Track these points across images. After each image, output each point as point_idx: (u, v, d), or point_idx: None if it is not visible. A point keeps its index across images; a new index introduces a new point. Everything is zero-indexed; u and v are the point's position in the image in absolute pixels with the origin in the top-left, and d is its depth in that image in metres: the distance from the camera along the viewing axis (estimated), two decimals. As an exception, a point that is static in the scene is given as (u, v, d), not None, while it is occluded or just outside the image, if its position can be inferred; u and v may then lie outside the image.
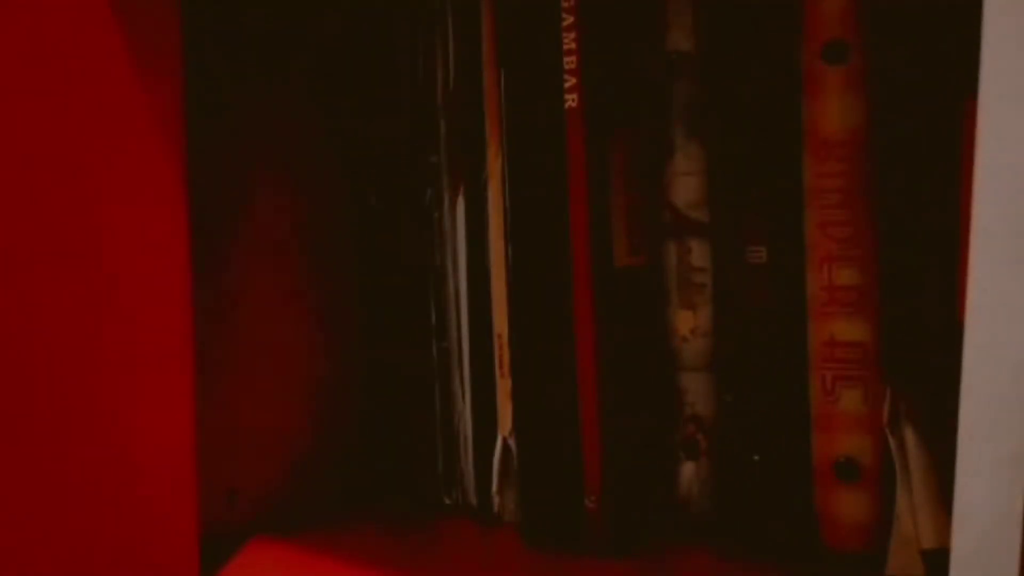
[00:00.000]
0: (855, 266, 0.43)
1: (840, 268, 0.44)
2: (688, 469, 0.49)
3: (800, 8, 0.44)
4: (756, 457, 0.46)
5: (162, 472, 0.48)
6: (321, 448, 0.59)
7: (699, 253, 0.48)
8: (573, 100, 0.47)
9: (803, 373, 0.45)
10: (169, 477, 0.48)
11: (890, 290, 0.43)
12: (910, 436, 0.42)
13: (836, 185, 0.43)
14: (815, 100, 0.44)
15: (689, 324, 0.49)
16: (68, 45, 0.44)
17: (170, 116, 0.48)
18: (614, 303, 0.48)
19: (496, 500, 0.54)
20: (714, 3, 0.47)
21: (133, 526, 0.47)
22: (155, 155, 0.47)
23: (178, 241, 0.48)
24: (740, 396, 0.47)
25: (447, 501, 0.57)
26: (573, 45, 0.46)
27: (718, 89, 0.47)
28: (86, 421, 0.45)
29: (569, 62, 0.46)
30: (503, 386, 0.52)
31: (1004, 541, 0.28)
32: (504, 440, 0.53)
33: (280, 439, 0.57)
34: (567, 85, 0.47)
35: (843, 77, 0.43)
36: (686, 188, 0.49)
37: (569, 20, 0.46)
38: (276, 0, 0.56)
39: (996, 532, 0.28)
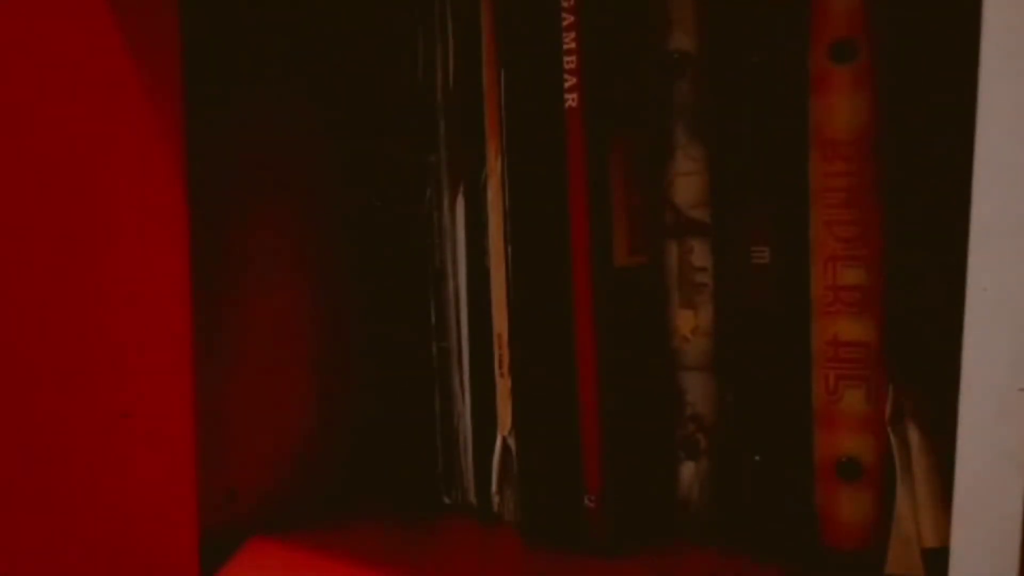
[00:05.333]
0: (860, 266, 0.43)
1: (845, 268, 0.44)
2: (688, 469, 0.49)
3: (808, 7, 0.44)
4: (757, 457, 0.46)
5: (162, 472, 0.48)
6: (321, 448, 0.59)
7: (700, 253, 0.48)
8: (573, 100, 0.46)
9: (806, 373, 0.45)
10: (169, 477, 0.48)
11: (894, 289, 0.43)
12: (913, 435, 0.42)
13: (842, 184, 0.43)
14: (822, 99, 0.44)
15: (690, 324, 0.49)
16: (67, 46, 0.44)
17: (170, 115, 0.47)
18: (614, 303, 0.48)
19: (496, 500, 0.54)
20: (719, 2, 0.47)
21: (133, 526, 0.47)
22: (155, 153, 0.47)
23: (178, 241, 0.48)
24: (742, 396, 0.47)
25: (447, 501, 0.57)
26: (573, 45, 0.46)
27: (723, 88, 0.47)
28: (86, 421, 0.45)
29: (569, 62, 0.46)
30: (503, 386, 0.52)
31: (1004, 541, 0.28)
32: (504, 440, 0.53)
33: (280, 439, 0.57)
34: (567, 85, 0.47)
35: (851, 76, 0.43)
36: (687, 188, 0.49)
37: (569, 20, 0.46)
38: (275, 0, 0.56)
39: (996, 532, 0.28)
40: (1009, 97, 0.27)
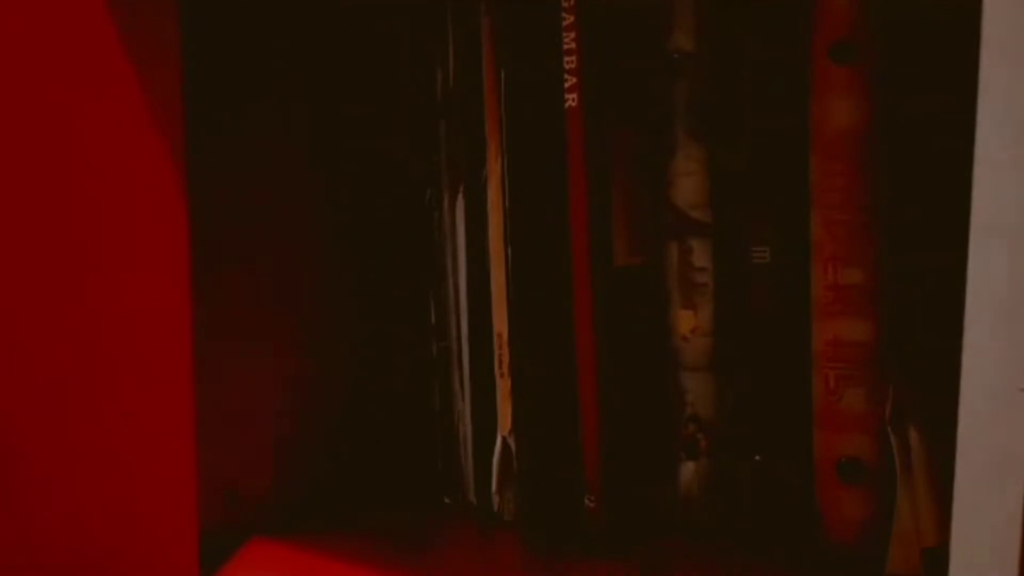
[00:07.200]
0: (860, 266, 0.43)
1: (845, 268, 0.44)
2: (688, 469, 0.49)
3: (808, 7, 0.44)
4: (757, 457, 0.46)
5: (162, 472, 0.48)
6: (321, 448, 0.59)
7: (700, 253, 0.48)
8: (573, 100, 0.46)
9: (806, 373, 0.45)
10: (169, 477, 0.48)
11: (894, 289, 0.43)
12: (913, 435, 0.42)
13: (842, 184, 0.43)
14: (822, 99, 0.44)
15: (690, 324, 0.49)
16: (67, 51, 0.44)
17: (170, 116, 0.47)
18: (614, 303, 0.48)
19: (496, 500, 0.54)
20: (719, 2, 0.47)
21: (133, 526, 0.47)
22: (156, 154, 0.47)
23: (177, 243, 0.48)
24: (742, 396, 0.47)
25: (447, 501, 0.57)
26: (573, 45, 0.46)
27: (723, 88, 0.47)
28: (86, 421, 0.45)
29: (569, 62, 0.46)
30: (503, 386, 0.52)
31: (1004, 541, 0.28)
32: (504, 440, 0.53)
33: (280, 439, 0.57)
34: (567, 85, 0.47)
35: (851, 76, 0.43)
36: (687, 188, 0.49)
37: (569, 20, 0.46)
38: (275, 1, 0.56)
39: (996, 532, 0.28)
40: (1009, 97, 0.27)
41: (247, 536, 0.53)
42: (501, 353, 0.52)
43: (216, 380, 0.53)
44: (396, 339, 0.59)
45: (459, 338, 0.55)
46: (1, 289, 0.43)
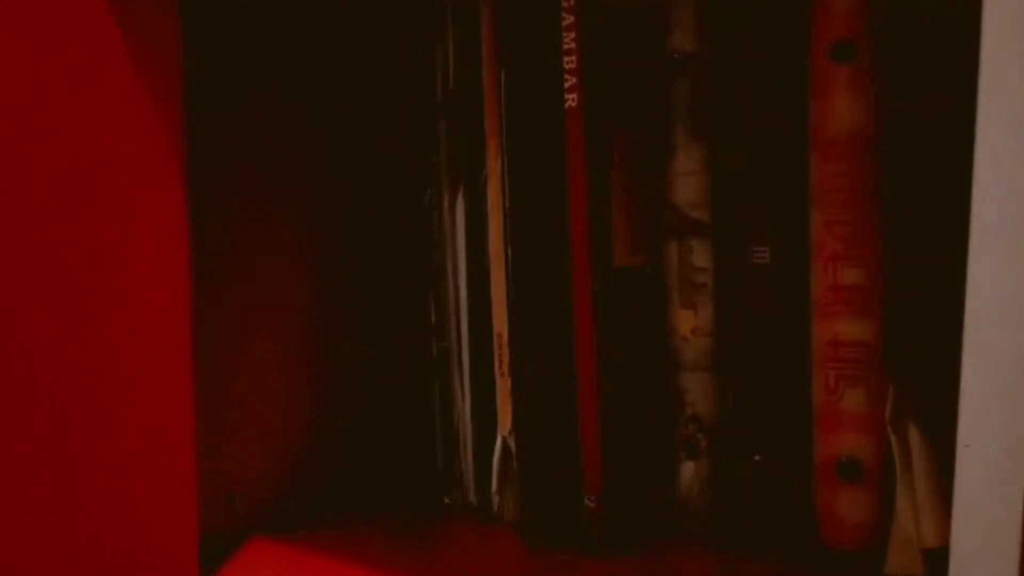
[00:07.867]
0: (860, 266, 0.43)
1: (845, 268, 0.44)
2: (688, 469, 0.49)
3: (808, 7, 0.44)
4: (757, 457, 0.46)
5: (162, 473, 0.48)
6: (321, 448, 0.59)
7: (700, 253, 0.48)
8: (573, 100, 0.46)
9: (806, 373, 0.45)
10: (169, 478, 0.48)
11: (894, 289, 0.43)
12: (913, 434, 0.42)
13: (842, 184, 0.43)
14: (822, 99, 0.44)
15: (690, 324, 0.49)
16: (67, 50, 0.44)
17: (170, 114, 0.47)
18: (614, 303, 0.48)
19: (496, 500, 0.54)
20: (719, 2, 0.47)
21: (133, 527, 0.47)
22: (156, 153, 0.47)
23: (178, 242, 0.48)
24: (742, 396, 0.47)
25: (447, 501, 0.57)
26: (573, 45, 0.46)
27: (724, 88, 0.47)
28: (86, 422, 0.45)
29: (569, 62, 0.46)
30: (503, 386, 0.52)
31: (1004, 541, 0.28)
32: (504, 439, 0.53)
33: (279, 440, 0.57)
34: (567, 85, 0.47)
35: (851, 76, 0.43)
36: (687, 188, 0.49)
37: (569, 20, 0.46)
38: (276, 0, 0.56)
39: (996, 532, 0.28)
40: (1009, 97, 0.27)
41: (247, 536, 0.53)
42: (501, 353, 0.52)
43: (216, 381, 0.53)
44: (396, 339, 0.59)
45: (459, 338, 0.55)
46: (0, 290, 0.43)
